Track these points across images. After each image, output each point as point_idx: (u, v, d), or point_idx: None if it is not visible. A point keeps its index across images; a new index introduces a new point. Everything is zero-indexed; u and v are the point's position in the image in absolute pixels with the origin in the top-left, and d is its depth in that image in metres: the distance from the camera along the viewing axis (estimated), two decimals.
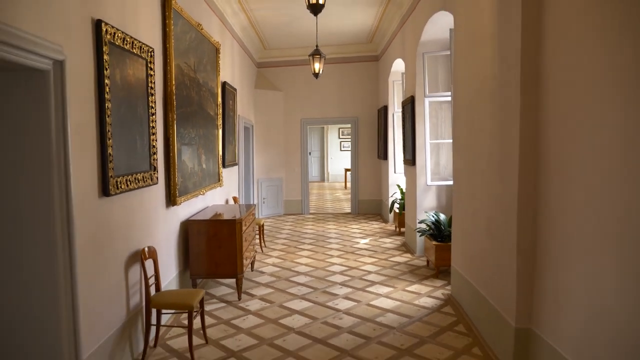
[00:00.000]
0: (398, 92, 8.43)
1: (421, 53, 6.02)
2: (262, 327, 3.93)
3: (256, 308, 4.38)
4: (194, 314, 3.42)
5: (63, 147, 2.38)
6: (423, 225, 5.77)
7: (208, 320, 4.04)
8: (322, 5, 3.80)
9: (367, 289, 4.91)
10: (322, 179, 19.93)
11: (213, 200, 5.85)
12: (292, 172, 10.33)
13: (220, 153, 6.08)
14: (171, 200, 4.16)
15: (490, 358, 3.26)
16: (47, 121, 2.32)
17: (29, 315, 2.38)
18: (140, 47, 3.45)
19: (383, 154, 9.21)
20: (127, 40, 3.20)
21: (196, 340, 3.57)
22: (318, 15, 4.54)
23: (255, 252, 5.91)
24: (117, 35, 3.05)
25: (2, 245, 2.36)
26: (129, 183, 3.21)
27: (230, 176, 7.01)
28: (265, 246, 7.06)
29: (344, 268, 5.77)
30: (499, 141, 3.26)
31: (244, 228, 4.74)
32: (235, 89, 7.26)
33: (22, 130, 2.32)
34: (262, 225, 6.87)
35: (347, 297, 4.65)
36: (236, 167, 7.52)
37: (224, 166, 6.29)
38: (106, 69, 2.88)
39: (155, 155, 3.73)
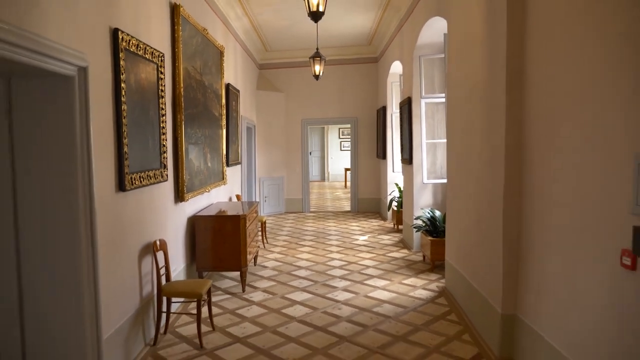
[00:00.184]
0: (396, 93, 8.66)
1: (418, 56, 6.25)
2: (266, 316, 4.16)
3: (259, 299, 4.62)
4: (202, 302, 3.65)
5: (86, 147, 2.61)
6: (419, 222, 6.00)
7: (214, 310, 4.26)
8: (322, 13, 4.02)
9: (365, 282, 5.15)
10: (323, 179, 20.16)
11: (217, 197, 6.09)
12: (293, 171, 10.57)
13: (224, 152, 6.31)
14: (179, 196, 4.40)
15: (479, 343, 3.49)
16: (72, 123, 2.55)
17: (57, 301, 2.61)
18: (152, 52, 3.68)
19: (382, 153, 9.44)
20: (140, 47, 3.43)
21: (204, 328, 3.79)
22: None
23: (258, 247, 6.14)
24: (132, 42, 3.28)
25: (34, 237, 2.58)
26: (141, 180, 3.45)
27: (234, 175, 7.25)
28: (267, 242, 7.29)
29: (343, 263, 6.00)
30: (488, 141, 3.49)
31: (247, 224, 4.97)
32: (238, 90, 7.49)
33: (49, 132, 2.55)
34: (265, 222, 7.10)
35: (346, 290, 4.88)
36: (239, 166, 7.76)
37: (227, 165, 6.52)
38: (122, 74, 3.11)
39: (165, 154, 3.97)
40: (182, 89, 4.36)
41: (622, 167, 2.00)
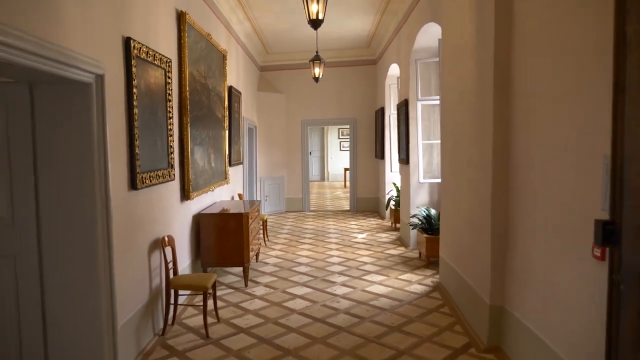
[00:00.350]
0: (394, 95, 8.86)
1: (414, 59, 6.45)
2: (268, 309, 4.37)
3: (261, 293, 4.83)
4: (208, 295, 3.86)
5: (103, 148, 2.82)
6: (415, 220, 6.21)
7: (218, 303, 4.47)
8: (322, 21, 4.23)
9: (363, 277, 5.36)
10: (322, 179, 20.36)
11: (220, 196, 6.30)
12: (294, 171, 10.78)
13: (227, 153, 6.52)
14: (185, 195, 4.61)
15: (469, 333, 3.70)
16: (90, 126, 2.76)
17: (76, 292, 2.81)
18: (160, 58, 3.89)
19: (380, 153, 9.65)
20: (150, 53, 3.64)
21: (209, 320, 4.00)
22: None
23: (260, 244, 6.35)
24: (142, 50, 3.49)
25: (55, 232, 2.79)
26: (151, 179, 3.66)
27: (236, 174, 7.46)
28: (269, 240, 7.50)
29: (342, 259, 6.21)
30: (478, 143, 3.70)
31: (250, 221, 5.18)
32: (240, 92, 7.70)
33: (69, 134, 2.75)
34: (266, 221, 7.30)
35: (344, 284, 5.09)
36: (241, 166, 7.97)
37: (230, 165, 6.73)
38: (134, 80, 3.32)
39: (172, 155, 4.18)
40: (188, 93, 4.57)
41: (593, 168, 2.21)
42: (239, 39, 7.81)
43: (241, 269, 5.36)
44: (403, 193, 7.24)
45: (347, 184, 16.11)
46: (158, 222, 3.91)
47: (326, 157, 20.36)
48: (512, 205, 3.24)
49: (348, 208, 11.19)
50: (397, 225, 8.28)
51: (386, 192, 9.27)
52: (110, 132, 2.95)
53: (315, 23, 4.16)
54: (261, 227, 7.02)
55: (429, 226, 5.77)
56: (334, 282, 5.18)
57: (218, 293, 4.79)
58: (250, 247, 5.22)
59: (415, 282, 5.12)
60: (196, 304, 4.41)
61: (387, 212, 9.25)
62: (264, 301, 4.59)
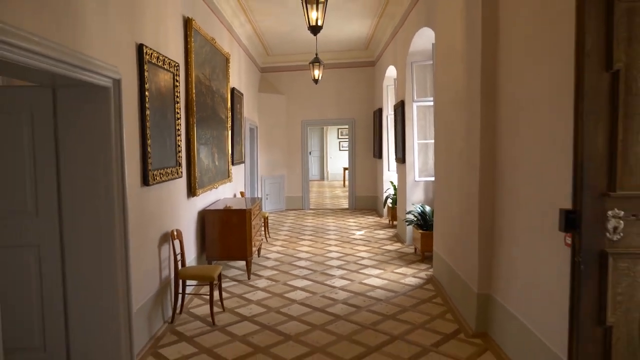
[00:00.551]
0: (391, 96, 9.11)
1: (410, 62, 6.70)
2: (270, 299, 4.62)
3: (264, 285, 5.08)
4: (214, 285, 4.10)
5: (120, 147, 3.06)
6: (410, 216, 6.46)
7: (223, 294, 4.71)
8: (321, 27, 4.48)
9: (360, 271, 5.61)
10: (322, 178, 20.60)
11: (224, 194, 6.55)
12: (294, 170, 11.03)
13: (230, 152, 6.76)
14: (191, 191, 4.85)
15: (459, 321, 3.95)
16: (108, 126, 3.00)
17: (95, 279, 3.06)
18: (169, 62, 4.14)
19: (378, 153, 9.89)
20: (160, 59, 3.89)
21: (214, 309, 4.24)
22: None
23: (261, 240, 6.59)
24: (153, 55, 3.74)
25: (75, 225, 3.03)
26: (161, 176, 3.90)
27: (238, 173, 7.71)
28: (270, 236, 7.75)
29: (341, 255, 6.46)
30: (467, 144, 3.95)
31: (252, 217, 5.43)
32: (242, 94, 7.95)
33: (88, 134, 2.99)
34: (267, 218, 7.55)
35: (342, 277, 5.34)
36: (243, 165, 8.22)
37: (232, 164, 6.98)
38: (146, 83, 3.57)
39: (180, 153, 4.43)
40: (194, 95, 4.82)
41: (566, 166, 2.45)
42: (240, 42, 8.06)
43: (244, 262, 5.61)
44: (400, 191, 7.49)
45: (346, 183, 16.35)
46: (167, 216, 4.16)
47: (325, 156, 20.60)
48: (498, 202, 3.49)
49: (347, 206, 11.44)
50: (394, 222, 8.52)
51: (384, 190, 9.52)
52: (125, 132, 3.19)
53: (315, 29, 4.41)
54: (262, 224, 7.26)
55: (424, 222, 6.02)
56: (332, 276, 5.42)
57: (222, 285, 5.03)
58: (253, 242, 5.46)
59: (410, 275, 5.37)
60: (202, 294, 4.65)
61: (385, 210, 9.49)
62: (266, 292, 4.84)
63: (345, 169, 17.11)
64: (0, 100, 3.00)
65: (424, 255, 5.99)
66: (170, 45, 4.28)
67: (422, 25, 5.75)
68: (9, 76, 2.64)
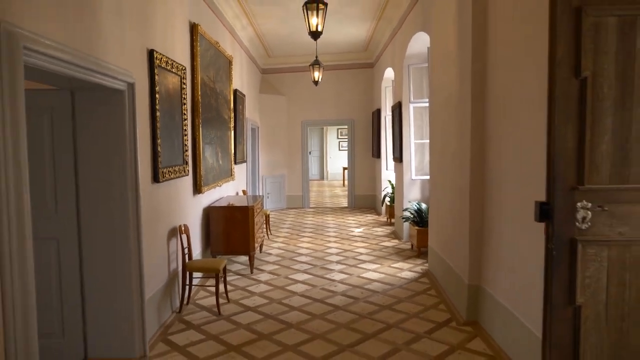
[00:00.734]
0: (389, 97, 9.33)
1: (407, 65, 6.93)
2: (272, 291, 4.85)
3: (266, 279, 5.31)
4: (220, 277, 4.33)
5: (133, 146, 3.29)
6: (407, 213, 6.68)
7: (227, 287, 4.94)
8: (321, 33, 4.70)
9: (358, 265, 5.84)
10: (322, 177, 20.82)
11: (227, 192, 6.77)
12: (294, 169, 11.25)
13: (233, 151, 6.99)
14: (197, 189, 5.08)
15: (451, 310, 4.18)
16: (122, 127, 3.23)
17: (111, 269, 3.29)
18: (177, 66, 4.36)
19: (377, 152, 10.12)
20: (168, 63, 4.12)
21: (220, 301, 4.47)
22: None
23: (263, 237, 6.82)
24: (163, 60, 3.97)
25: (92, 219, 3.26)
26: (170, 173, 4.13)
27: (240, 172, 7.94)
28: (271, 234, 7.98)
29: (340, 250, 6.69)
30: (459, 143, 4.18)
31: (255, 214, 5.66)
32: (244, 95, 8.18)
33: (104, 134, 3.22)
34: (268, 215, 7.78)
35: (341, 272, 5.57)
36: (245, 164, 8.44)
37: (235, 163, 7.20)
38: (156, 86, 3.80)
39: (186, 152, 4.65)
40: (199, 97, 5.05)
41: (542, 163, 2.68)
42: (242, 44, 8.29)
43: (247, 258, 5.84)
44: (397, 189, 7.72)
45: (346, 182, 16.57)
46: (175, 212, 4.39)
47: (325, 156, 20.83)
48: (487, 198, 3.72)
49: (346, 205, 11.67)
50: (392, 220, 8.75)
51: (382, 189, 9.75)
52: (138, 132, 3.42)
53: (315, 35, 4.63)
54: (264, 221, 7.49)
55: (420, 219, 6.25)
56: (332, 270, 5.65)
57: (227, 278, 5.26)
58: (255, 237, 5.69)
59: (406, 270, 5.60)
60: (208, 286, 4.88)
61: (383, 208, 9.72)
62: (269, 285, 5.07)
63: (344, 168, 17.34)
64: None
65: (420, 250, 6.21)
66: (177, 50, 4.51)
67: (418, 30, 5.98)
68: (33, 80, 2.85)
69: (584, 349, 2.18)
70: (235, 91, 7.26)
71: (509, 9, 3.22)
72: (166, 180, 4.04)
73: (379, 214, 10.12)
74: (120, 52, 3.23)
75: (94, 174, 3.27)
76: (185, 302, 4.41)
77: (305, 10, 4.66)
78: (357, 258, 6.23)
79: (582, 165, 2.14)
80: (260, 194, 10.29)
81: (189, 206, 4.86)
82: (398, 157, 7.40)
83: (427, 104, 6.84)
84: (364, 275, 5.41)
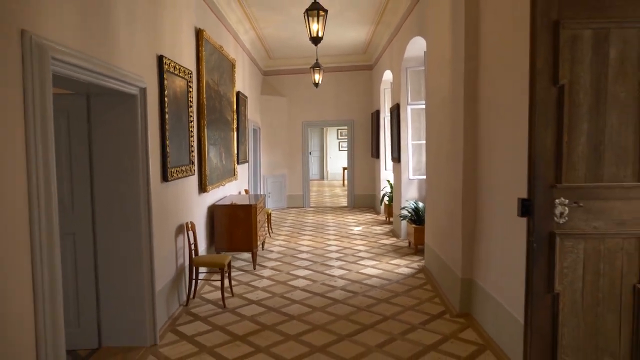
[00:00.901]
0: (388, 99, 9.54)
1: (404, 68, 7.14)
2: (274, 286, 5.06)
3: (268, 274, 5.52)
4: (225, 271, 4.54)
5: (145, 147, 3.49)
6: (405, 212, 6.89)
7: (231, 282, 5.15)
8: (321, 38, 4.91)
9: (357, 262, 6.05)
10: (322, 177, 21.01)
11: (230, 191, 6.98)
12: (295, 169, 11.47)
13: (235, 152, 7.20)
14: (202, 187, 5.29)
15: (445, 303, 4.39)
16: (135, 129, 3.43)
17: (124, 263, 3.49)
18: (184, 70, 4.57)
19: (376, 153, 10.33)
20: (176, 67, 4.32)
21: (224, 295, 4.67)
22: None
23: (265, 235, 7.02)
24: (171, 65, 4.17)
25: (108, 214, 3.47)
26: (177, 173, 4.34)
27: (243, 172, 8.14)
28: (272, 232, 8.19)
29: (339, 248, 6.90)
30: (452, 144, 4.38)
31: (257, 212, 5.87)
32: (246, 96, 8.39)
33: (118, 136, 3.43)
34: (270, 214, 7.99)
35: (340, 268, 5.78)
36: (247, 164, 8.65)
37: (238, 163, 7.41)
38: (165, 90, 4.00)
39: (192, 153, 4.86)
40: (204, 99, 5.25)
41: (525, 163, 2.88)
42: (244, 47, 8.50)
43: (249, 255, 6.04)
44: (395, 189, 7.93)
45: (346, 182, 16.76)
46: (182, 210, 4.59)
47: (325, 156, 21.03)
48: (479, 196, 3.93)
49: (346, 204, 11.88)
50: (391, 219, 8.95)
51: (381, 188, 9.95)
52: (150, 134, 3.62)
53: (316, 40, 4.84)
54: (266, 220, 7.69)
55: (417, 217, 6.45)
56: (331, 266, 5.86)
57: (231, 274, 5.47)
58: (258, 235, 5.90)
59: (403, 266, 5.81)
60: (213, 280, 5.09)
61: (382, 207, 9.93)
62: (271, 280, 5.27)
63: (344, 168, 17.54)
64: None
65: (417, 248, 6.42)
66: (184, 55, 4.71)
67: (415, 35, 6.18)
68: (55, 86, 3.05)
69: (562, 332, 2.39)
70: (238, 93, 7.47)
71: (498, 21, 3.43)
72: (174, 179, 4.24)
73: (378, 213, 10.33)
74: (133, 58, 3.43)
75: (107, 173, 3.47)
76: (192, 295, 4.62)
77: (306, 17, 4.86)
78: (356, 255, 6.44)
79: (560, 165, 2.35)
80: (262, 193, 10.50)
81: (194, 204, 5.07)
82: (396, 158, 7.61)
83: (424, 106, 7.05)
84: (362, 271, 5.62)
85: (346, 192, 12.70)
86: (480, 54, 3.84)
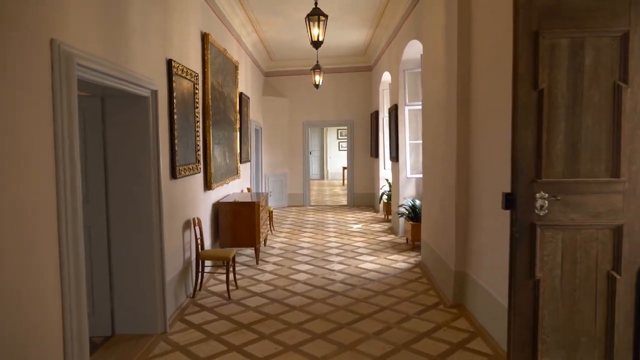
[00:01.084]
0: (387, 100, 9.76)
1: (402, 69, 7.36)
2: (276, 280, 5.28)
3: (271, 269, 5.74)
4: (230, 265, 4.76)
5: (156, 146, 3.72)
6: (402, 209, 7.11)
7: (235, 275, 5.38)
8: (322, 42, 5.13)
9: (356, 257, 6.27)
10: (322, 177, 21.23)
11: (233, 189, 7.21)
12: (295, 169, 11.69)
13: (238, 151, 7.42)
14: (208, 185, 5.51)
15: (439, 295, 4.61)
16: (147, 129, 3.65)
17: (136, 255, 3.71)
18: (190, 73, 4.79)
19: (375, 152, 10.55)
20: (184, 70, 4.55)
21: (229, 287, 4.90)
22: None
23: (267, 232, 7.25)
24: (179, 68, 4.40)
25: (121, 209, 3.69)
26: (185, 170, 4.56)
27: (245, 171, 8.37)
28: (274, 229, 8.41)
29: (339, 245, 7.12)
30: (447, 145, 4.60)
31: (260, 209, 6.09)
32: (248, 97, 8.61)
33: (131, 135, 3.65)
34: (272, 212, 8.21)
35: (340, 263, 6.00)
36: (249, 163, 8.88)
37: (240, 162, 7.63)
38: (174, 92, 4.23)
39: (198, 151, 5.08)
40: (210, 100, 5.48)
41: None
42: (247, 49, 8.72)
43: (252, 251, 6.27)
44: (393, 187, 8.15)
45: (345, 182, 16.98)
46: (189, 206, 4.82)
47: (325, 156, 21.25)
48: (471, 193, 4.15)
49: (345, 203, 12.10)
50: (389, 217, 9.17)
51: (380, 187, 10.17)
52: (160, 134, 3.84)
53: (317, 44, 5.06)
54: (268, 217, 7.92)
55: (414, 215, 6.67)
56: (331, 261, 6.09)
57: (235, 268, 5.69)
58: (260, 231, 6.12)
59: (400, 261, 6.03)
60: (218, 273, 5.31)
61: (381, 206, 10.14)
62: (273, 274, 5.50)
63: (344, 168, 17.76)
64: None
65: (414, 244, 6.64)
66: (191, 58, 4.94)
67: (412, 38, 6.41)
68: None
69: (542, 315, 2.61)
70: (241, 94, 7.69)
71: (487, 31, 3.66)
72: (182, 177, 4.46)
73: (377, 211, 10.55)
74: (145, 62, 3.66)
75: (121, 171, 3.69)
76: (198, 288, 4.85)
77: (307, 22, 5.08)
78: (355, 251, 6.66)
79: (540, 162, 2.57)
80: (264, 191, 10.72)
81: (200, 201, 5.29)
82: (394, 157, 7.83)
83: (420, 107, 7.27)
84: (361, 265, 5.84)
85: (346, 191, 12.92)
86: (472, 59, 4.06)
